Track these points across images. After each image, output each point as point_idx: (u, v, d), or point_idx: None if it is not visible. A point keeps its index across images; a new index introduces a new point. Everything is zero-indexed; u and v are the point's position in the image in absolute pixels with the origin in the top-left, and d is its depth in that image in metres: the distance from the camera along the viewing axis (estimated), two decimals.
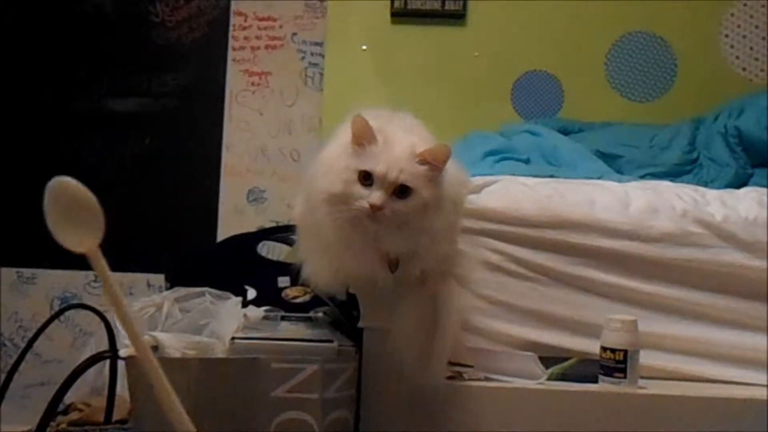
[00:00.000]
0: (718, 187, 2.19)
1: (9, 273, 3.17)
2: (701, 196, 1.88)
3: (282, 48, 3.19)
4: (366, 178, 1.43)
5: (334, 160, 1.48)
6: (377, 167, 1.42)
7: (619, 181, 2.09)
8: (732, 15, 3.04)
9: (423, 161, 1.44)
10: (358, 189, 1.43)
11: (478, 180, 1.87)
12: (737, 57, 3.03)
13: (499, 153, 2.42)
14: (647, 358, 1.68)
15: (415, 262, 1.52)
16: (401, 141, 1.47)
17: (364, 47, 3.10)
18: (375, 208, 1.40)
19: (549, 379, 1.67)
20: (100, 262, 1.01)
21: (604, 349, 1.63)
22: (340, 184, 1.44)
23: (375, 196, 1.41)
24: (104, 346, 2.17)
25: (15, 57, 3.22)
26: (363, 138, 1.45)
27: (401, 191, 1.43)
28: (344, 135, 1.52)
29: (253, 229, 2.91)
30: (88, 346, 2.70)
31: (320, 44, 3.17)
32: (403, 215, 1.43)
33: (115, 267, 3.14)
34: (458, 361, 1.66)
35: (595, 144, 2.55)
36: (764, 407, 1.62)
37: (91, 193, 0.98)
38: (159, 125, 3.22)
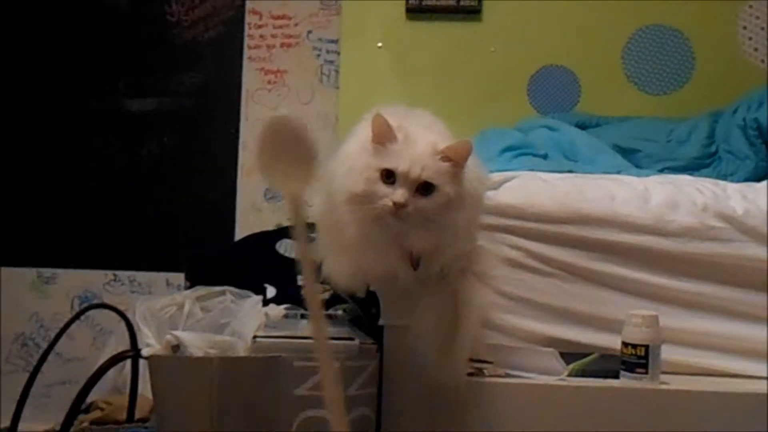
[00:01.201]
0: (738, 181, 2.18)
1: (29, 273, 3.19)
2: (722, 190, 1.87)
3: (297, 46, 3.19)
4: (388, 176, 1.43)
5: (354, 159, 1.48)
6: (399, 165, 1.42)
7: (638, 175, 2.08)
8: (750, 7, 3.01)
9: (445, 158, 1.44)
10: (381, 187, 1.43)
11: (497, 176, 1.86)
12: (756, 49, 3.00)
13: (517, 148, 2.41)
14: (669, 354, 1.67)
15: (435, 258, 1.52)
16: (422, 138, 1.47)
17: (379, 44, 3.09)
18: (398, 206, 1.40)
19: (570, 374, 1.66)
20: (299, 208, 0.91)
21: (625, 344, 1.63)
22: (362, 184, 1.44)
23: (398, 194, 1.41)
24: (123, 344, 2.18)
25: (32, 57, 3.24)
26: (383, 136, 1.45)
27: (424, 188, 1.43)
28: (363, 132, 1.52)
29: (270, 227, 2.92)
30: (108, 344, 2.71)
31: (336, 42, 3.17)
32: (426, 212, 1.43)
33: (134, 266, 3.17)
34: (479, 357, 1.66)
35: (612, 138, 2.54)
36: None
37: (309, 132, 0.89)
38: (176, 124, 3.23)
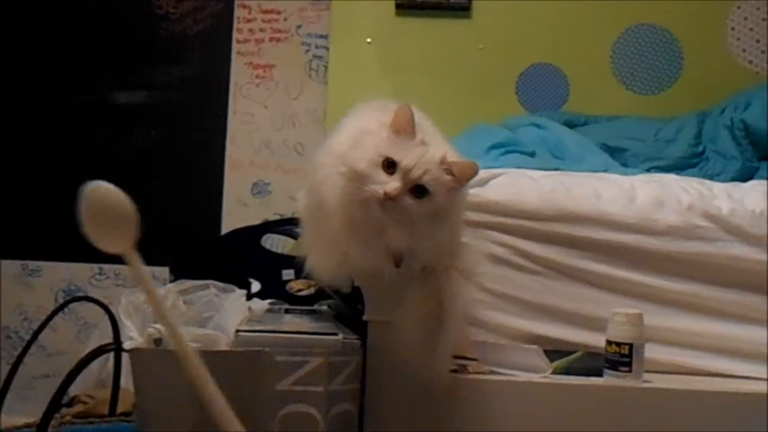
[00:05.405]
0: (724, 181, 2.18)
1: (14, 265, 3.18)
2: (708, 189, 1.87)
3: (286, 41, 3.19)
4: (390, 166, 1.42)
5: (365, 135, 1.47)
6: (405, 159, 1.41)
7: (625, 174, 2.08)
8: (738, 8, 3.02)
9: (449, 172, 1.44)
10: (380, 174, 1.42)
11: (484, 173, 1.85)
12: (743, 50, 3.02)
13: (504, 146, 2.41)
14: (652, 352, 1.67)
15: (414, 259, 1.51)
16: (436, 145, 1.47)
17: (368, 40, 3.09)
18: (387, 196, 1.40)
19: (554, 372, 1.66)
20: (136, 262, 1.01)
21: (609, 342, 1.62)
22: (364, 163, 1.42)
23: (392, 185, 1.40)
24: (108, 338, 2.17)
25: (20, 49, 3.22)
26: (403, 128, 1.44)
27: (418, 190, 1.42)
28: (350, 125, 1.53)
29: (257, 222, 2.91)
30: (92, 338, 2.70)
31: (325, 37, 3.16)
32: (411, 213, 1.42)
33: (119, 260, 3.14)
34: (463, 354, 1.66)
35: (600, 137, 2.54)
36: None
37: (125, 196, 0.99)
38: (163, 118, 3.22)
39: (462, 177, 1.46)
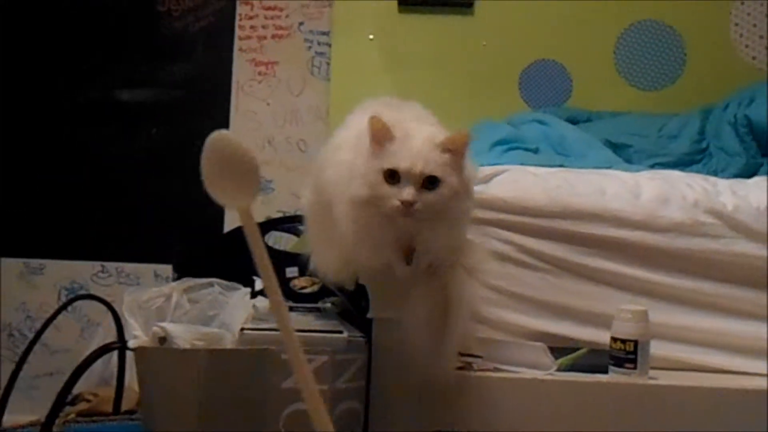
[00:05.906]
0: (728, 177, 2.18)
1: (17, 263, 3.17)
2: (712, 186, 1.87)
3: (289, 37, 3.18)
4: (392, 176, 1.42)
5: (353, 165, 1.46)
6: (401, 163, 1.41)
7: (629, 170, 2.08)
8: (742, 3, 3.01)
9: (445, 150, 1.44)
10: (386, 189, 1.42)
11: (488, 170, 1.85)
12: (747, 46, 3.01)
13: (508, 142, 2.41)
14: (658, 349, 1.67)
15: (425, 254, 1.51)
16: (419, 133, 1.46)
17: (371, 36, 3.08)
18: (407, 204, 1.39)
19: (559, 369, 1.66)
20: (251, 222, 0.95)
21: (614, 339, 1.62)
22: (366, 189, 1.42)
23: (406, 192, 1.40)
24: (111, 336, 2.17)
25: (22, 48, 3.21)
26: (381, 137, 1.44)
27: (430, 183, 1.42)
28: (354, 124, 1.52)
29: (260, 219, 2.91)
30: (95, 336, 2.70)
31: (327, 33, 3.15)
32: (435, 206, 1.42)
33: (122, 257, 3.16)
34: (468, 351, 1.66)
35: (603, 133, 2.54)
36: None
37: (248, 148, 0.93)
38: (165, 115, 3.20)
39: (459, 149, 1.45)
